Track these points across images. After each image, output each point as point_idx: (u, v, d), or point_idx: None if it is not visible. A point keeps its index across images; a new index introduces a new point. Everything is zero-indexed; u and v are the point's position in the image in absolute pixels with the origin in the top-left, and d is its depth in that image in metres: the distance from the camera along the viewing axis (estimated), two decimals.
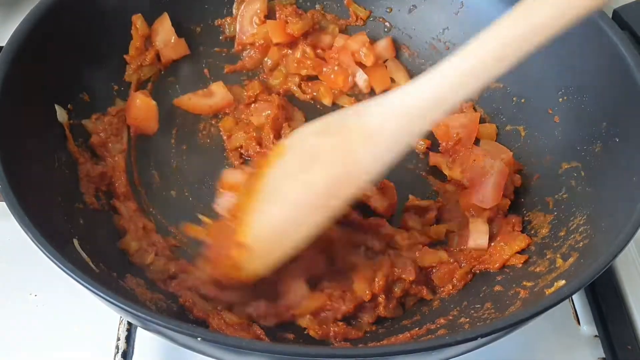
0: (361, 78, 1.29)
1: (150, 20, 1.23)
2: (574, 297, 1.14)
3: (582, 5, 0.79)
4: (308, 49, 1.29)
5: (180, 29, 1.26)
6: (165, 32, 1.25)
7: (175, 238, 1.11)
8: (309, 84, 1.30)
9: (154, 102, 1.19)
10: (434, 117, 0.88)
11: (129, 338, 1.03)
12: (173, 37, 1.25)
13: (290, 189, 0.93)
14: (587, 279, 0.86)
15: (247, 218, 0.94)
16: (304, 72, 1.29)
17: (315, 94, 1.29)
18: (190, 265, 1.05)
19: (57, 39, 1.08)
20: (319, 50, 1.31)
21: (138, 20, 1.21)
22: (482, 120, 1.25)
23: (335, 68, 1.29)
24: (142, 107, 1.17)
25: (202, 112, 1.25)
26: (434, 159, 1.21)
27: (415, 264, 1.05)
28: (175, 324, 0.78)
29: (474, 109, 1.26)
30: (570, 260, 0.96)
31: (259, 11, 1.28)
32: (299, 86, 1.30)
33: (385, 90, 1.30)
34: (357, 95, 1.30)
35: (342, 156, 0.91)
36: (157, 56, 1.25)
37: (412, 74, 1.32)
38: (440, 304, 1.04)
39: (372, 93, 1.31)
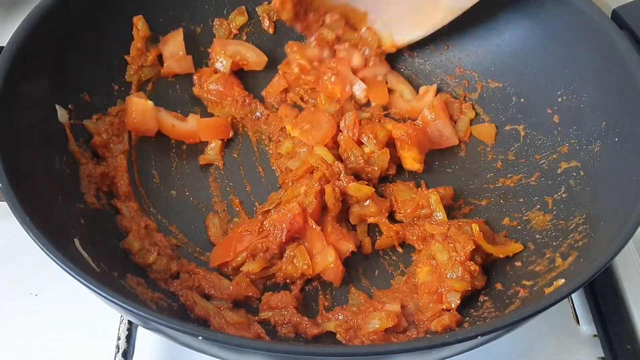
0: (360, 88, 1.28)
1: (151, 21, 1.23)
2: (573, 296, 1.14)
3: None
4: (304, 61, 1.28)
5: (179, 28, 1.27)
6: (175, 45, 1.25)
7: (176, 237, 1.11)
8: (308, 91, 1.30)
9: (150, 103, 1.18)
10: None
11: (130, 337, 1.03)
12: (181, 52, 1.25)
13: None
14: (587, 278, 0.86)
15: None
16: (305, 87, 1.30)
17: (314, 101, 1.29)
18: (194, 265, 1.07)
19: (57, 39, 1.08)
20: (315, 63, 1.30)
21: (139, 22, 1.21)
22: (481, 120, 1.26)
23: (332, 79, 1.27)
24: (138, 111, 1.17)
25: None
26: None
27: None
28: (176, 323, 0.78)
29: (473, 108, 1.26)
30: (570, 259, 0.96)
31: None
32: (301, 98, 1.29)
33: (383, 106, 1.28)
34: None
35: None
36: (158, 57, 1.25)
37: (412, 79, 1.32)
38: None
39: (368, 102, 1.29)
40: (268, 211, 1.11)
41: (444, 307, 1.00)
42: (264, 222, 1.06)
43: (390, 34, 1.27)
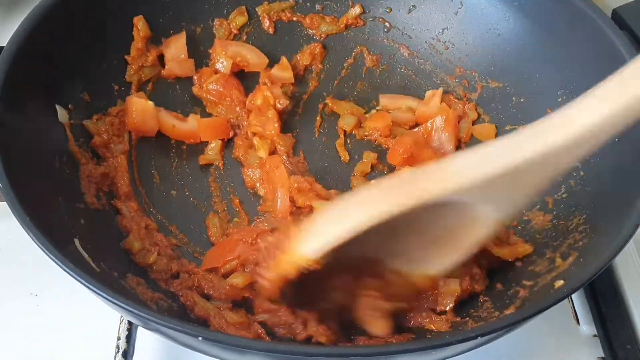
0: None
1: (151, 21, 1.23)
2: (574, 296, 1.14)
3: None
4: None
5: (180, 29, 1.27)
6: (177, 48, 1.25)
7: (176, 237, 1.11)
8: None
9: (150, 103, 1.18)
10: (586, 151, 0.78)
11: (130, 337, 1.03)
12: (183, 55, 1.25)
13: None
14: (587, 279, 0.86)
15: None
16: None
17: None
18: (194, 266, 1.06)
19: (57, 39, 1.08)
20: None
21: (139, 22, 1.21)
22: (481, 120, 1.26)
23: None
24: (139, 111, 1.16)
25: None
26: None
27: None
28: (176, 323, 0.78)
29: (476, 109, 1.26)
30: (570, 259, 0.96)
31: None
32: None
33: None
34: None
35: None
36: (158, 57, 1.25)
37: (412, 80, 1.32)
38: None
39: None
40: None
41: (439, 309, 1.00)
42: (258, 240, 1.05)
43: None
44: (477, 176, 0.79)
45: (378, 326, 0.94)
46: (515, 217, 0.98)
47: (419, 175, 0.83)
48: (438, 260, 0.93)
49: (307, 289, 0.90)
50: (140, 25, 1.21)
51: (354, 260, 0.89)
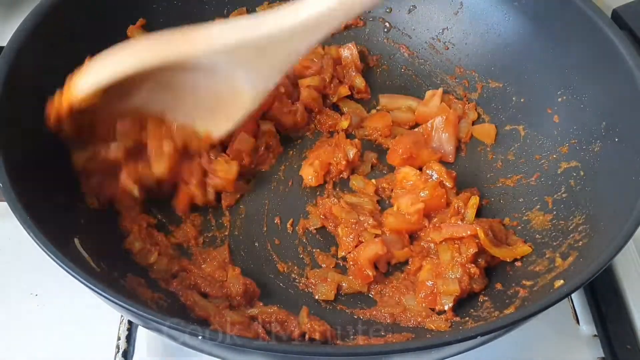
0: None
1: (151, 21, 1.23)
2: (573, 296, 1.14)
3: None
4: None
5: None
6: None
7: (175, 237, 1.11)
8: None
9: None
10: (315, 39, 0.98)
11: (130, 337, 1.04)
12: None
13: None
14: (586, 278, 0.86)
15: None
16: None
17: None
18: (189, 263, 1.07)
19: (57, 39, 1.08)
20: None
21: (135, 32, 1.21)
22: (481, 120, 1.26)
23: None
24: None
25: None
26: None
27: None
28: (177, 323, 0.79)
29: (475, 109, 1.26)
30: (570, 259, 0.96)
31: None
32: None
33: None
34: None
35: None
36: None
37: (412, 80, 1.32)
38: None
39: None
40: None
41: (438, 309, 1.00)
42: None
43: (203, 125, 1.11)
44: (224, 42, 0.97)
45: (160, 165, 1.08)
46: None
47: (178, 36, 0.99)
48: (215, 125, 1.11)
49: (99, 124, 1.05)
50: (136, 35, 1.20)
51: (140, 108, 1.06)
